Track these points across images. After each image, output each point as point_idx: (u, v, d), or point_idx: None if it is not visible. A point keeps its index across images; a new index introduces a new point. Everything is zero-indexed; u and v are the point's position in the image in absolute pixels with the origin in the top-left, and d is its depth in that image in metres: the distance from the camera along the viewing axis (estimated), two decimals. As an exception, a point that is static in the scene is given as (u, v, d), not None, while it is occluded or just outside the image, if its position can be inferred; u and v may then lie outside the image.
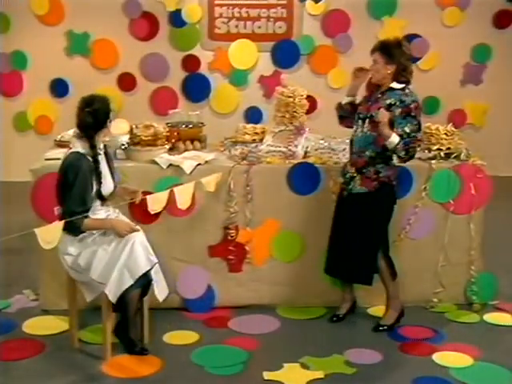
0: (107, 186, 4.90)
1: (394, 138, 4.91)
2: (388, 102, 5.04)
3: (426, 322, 5.46)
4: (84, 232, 4.80)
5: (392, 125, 4.98)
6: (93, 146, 4.82)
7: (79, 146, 4.84)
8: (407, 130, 4.97)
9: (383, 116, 4.92)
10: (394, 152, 4.98)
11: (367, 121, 5.11)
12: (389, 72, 5.09)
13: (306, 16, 9.06)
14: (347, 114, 5.33)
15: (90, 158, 4.79)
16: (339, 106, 5.41)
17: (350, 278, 5.44)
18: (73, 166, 4.75)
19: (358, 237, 5.20)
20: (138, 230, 4.83)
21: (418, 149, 5.16)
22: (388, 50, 5.08)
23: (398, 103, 5.01)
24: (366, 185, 5.15)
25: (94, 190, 4.80)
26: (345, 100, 5.36)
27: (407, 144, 4.94)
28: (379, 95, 5.12)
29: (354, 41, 9.05)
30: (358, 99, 5.34)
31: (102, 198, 4.88)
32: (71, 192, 4.73)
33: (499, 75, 9.24)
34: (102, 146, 4.95)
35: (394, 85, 5.09)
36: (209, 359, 4.92)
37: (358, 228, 5.19)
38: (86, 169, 4.75)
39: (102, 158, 4.93)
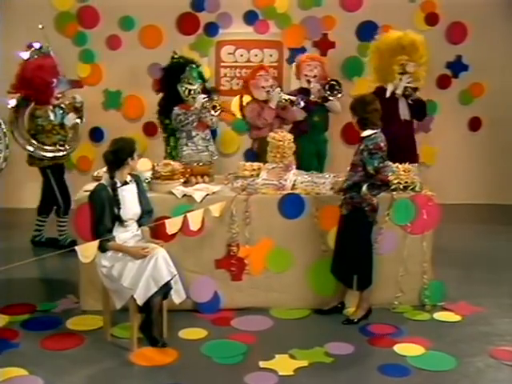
0: (129, 210, 4.91)
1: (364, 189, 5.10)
2: (361, 148, 5.14)
3: (388, 321, 5.43)
4: (108, 250, 4.83)
5: (365, 166, 5.10)
6: (111, 178, 4.87)
7: (104, 179, 4.94)
8: (375, 164, 5.06)
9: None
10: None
11: (351, 165, 5.25)
12: (355, 122, 5.22)
13: (292, 76, 9.03)
14: None
15: (109, 189, 4.83)
16: None
17: (342, 280, 5.45)
18: (93, 194, 4.89)
19: (347, 248, 5.28)
20: (148, 254, 4.79)
21: (389, 174, 5.26)
22: (351, 105, 5.24)
23: (365, 148, 5.10)
24: (346, 208, 5.23)
25: (115, 213, 4.82)
26: None
27: (372, 183, 5.10)
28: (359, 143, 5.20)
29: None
30: None
31: (121, 221, 4.87)
32: (94, 215, 4.84)
33: (444, 125, 9.26)
34: (129, 178, 4.98)
35: (364, 134, 5.14)
36: (215, 351, 4.90)
37: (345, 241, 5.29)
38: (104, 197, 4.81)
39: (128, 188, 4.95)
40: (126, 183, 4.95)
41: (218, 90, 7.67)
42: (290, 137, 5.90)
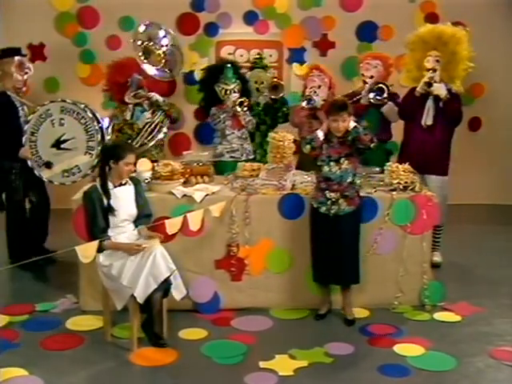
0: (123, 208, 4.95)
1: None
2: (349, 138, 5.14)
3: (388, 321, 5.43)
4: (105, 250, 4.87)
5: (353, 143, 5.13)
6: (100, 175, 4.98)
7: (97, 180, 5.04)
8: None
9: None
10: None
11: (343, 159, 5.16)
12: (346, 122, 5.15)
13: (292, 76, 9.06)
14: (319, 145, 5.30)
15: (99, 189, 4.91)
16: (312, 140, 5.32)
17: (344, 281, 5.41)
18: (85, 196, 5.00)
19: (352, 247, 5.26)
20: (142, 250, 4.82)
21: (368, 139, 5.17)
22: (350, 107, 5.19)
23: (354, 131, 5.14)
24: (352, 204, 5.19)
25: (105, 206, 4.88)
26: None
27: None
28: (342, 138, 5.17)
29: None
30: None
31: (114, 213, 4.90)
32: (87, 216, 4.94)
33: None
34: (124, 180, 5.03)
35: (352, 125, 5.16)
36: (215, 351, 4.90)
37: (351, 240, 5.25)
38: (95, 197, 4.88)
39: (124, 189, 5.02)
40: (121, 185, 5.01)
41: (281, 86, 7.46)
42: (290, 137, 5.89)
